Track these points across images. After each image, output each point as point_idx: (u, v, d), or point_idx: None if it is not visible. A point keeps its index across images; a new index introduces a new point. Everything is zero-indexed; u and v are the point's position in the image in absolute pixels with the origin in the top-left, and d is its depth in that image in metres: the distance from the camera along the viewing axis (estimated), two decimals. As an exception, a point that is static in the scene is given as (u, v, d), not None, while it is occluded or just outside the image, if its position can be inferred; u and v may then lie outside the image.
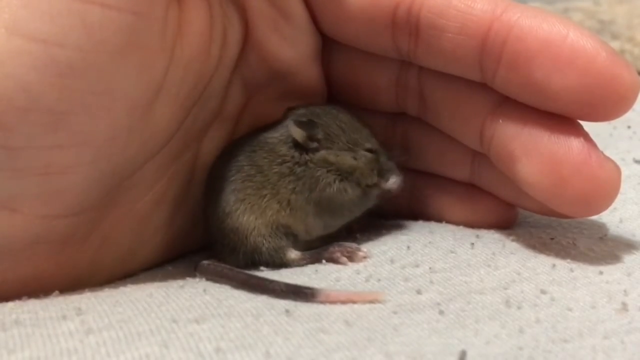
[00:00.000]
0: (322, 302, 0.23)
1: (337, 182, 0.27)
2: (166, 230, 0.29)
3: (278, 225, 0.27)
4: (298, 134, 0.27)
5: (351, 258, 0.26)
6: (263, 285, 0.24)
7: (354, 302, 0.23)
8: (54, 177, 0.23)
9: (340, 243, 0.27)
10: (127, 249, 0.28)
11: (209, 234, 0.29)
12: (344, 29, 0.28)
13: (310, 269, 0.26)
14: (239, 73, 0.29)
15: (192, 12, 0.26)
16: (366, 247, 0.27)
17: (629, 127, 0.41)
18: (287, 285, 0.24)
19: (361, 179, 0.28)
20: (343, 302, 0.23)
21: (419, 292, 0.23)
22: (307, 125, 0.27)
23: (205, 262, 0.27)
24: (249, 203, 0.27)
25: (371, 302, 0.23)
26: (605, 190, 0.25)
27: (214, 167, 0.29)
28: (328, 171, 0.27)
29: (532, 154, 0.25)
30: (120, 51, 0.23)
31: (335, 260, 0.26)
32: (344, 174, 0.28)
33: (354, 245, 0.27)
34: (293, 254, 0.27)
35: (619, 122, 0.37)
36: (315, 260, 0.27)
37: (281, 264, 0.27)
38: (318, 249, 0.27)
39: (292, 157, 0.27)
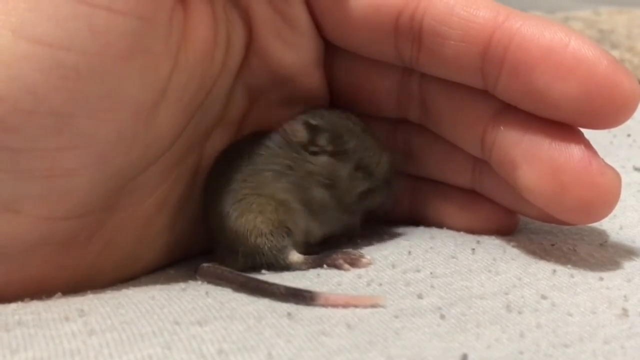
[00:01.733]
0: (322, 306, 0.23)
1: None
2: (168, 233, 0.29)
3: (279, 224, 0.27)
4: (302, 134, 0.27)
5: (354, 265, 0.26)
6: (262, 287, 0.24)
7: (353, 306, 0.23)
8: (57, 179, 0.23)
9: (345, 250, 0.27)
10: (130, 251, 0.28)
11: (210, 236, 0.29)
12: (347, 35, 0.28)
13: (312, 273, 0.26)
14: (242, 78, 0.29)
15: (196, 17, 0.26)
16: (368, 252, 0.27)
17: (629, 135, 0.41)
18: (287, 288, 0.24)
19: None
20: (343, 306, 0.23)
21: (420, 296, 0.23)
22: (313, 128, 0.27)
23: (205, 265, 0.27)
24: (248, 203, 0.27)
25: (371, 306, 0.23)
26: (605, 197, 0.25)
27: (214, 168, 0.29)
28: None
29: (533, 161, 0.25)
30: (125, 55, 0.23)
31: (337, 267, 0.26)
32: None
33: (357, 252, 0.27)
34: (295, 256, 0.27)
35: (619, 131, 0.37)
36: (317, 265, 0.27)
37: (284, 266, 0.27)
38: (321, 254, 0.27)
39: (291, 157, 0.28)
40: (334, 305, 0.23)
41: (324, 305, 0.23)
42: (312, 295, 0.23)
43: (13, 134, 0.22)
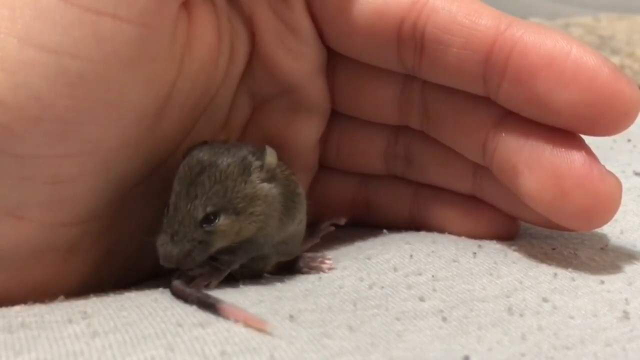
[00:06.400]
0: (225, 317, 0.22)
1: None
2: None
3: None
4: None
5: (317, 270, 0.27)
6: (184, 295, 0.24)
7: (245, 323, 0.21)
8: (62, 185, 0.23)
9: (309, 255, 0.28)
10: (132, 258, 0.28)
11: None
12: (350, 43, 0.28)
13: (314, 276, 0.26)
14: (245, 85, 0.29)
15: (200, 25, 0.26)
16: (369, 256, 0.27)
17: (629, 140, 0.41)
18: (198, 298, 0.23)
19: None
20: (237, 320, 0.21)
21: (422, 299, 0.24)
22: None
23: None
24: None
25: (257, 329, 0.21)
26: (606, 204, 0.25)
27: None
28: None
29: (535, 167, 0.26)
30: (130, 62, 0.23)
31: (303, 271, 0.27)
32: None
33: (323, 256, 0.27)
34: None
35: (619, 136, 0.37)
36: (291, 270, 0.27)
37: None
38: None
39: None
40: (232, 318, 0.21)
41: (226, 317, 0.22)
42: (216, 306, 0.22)
43: (18, 141, 0.22)
